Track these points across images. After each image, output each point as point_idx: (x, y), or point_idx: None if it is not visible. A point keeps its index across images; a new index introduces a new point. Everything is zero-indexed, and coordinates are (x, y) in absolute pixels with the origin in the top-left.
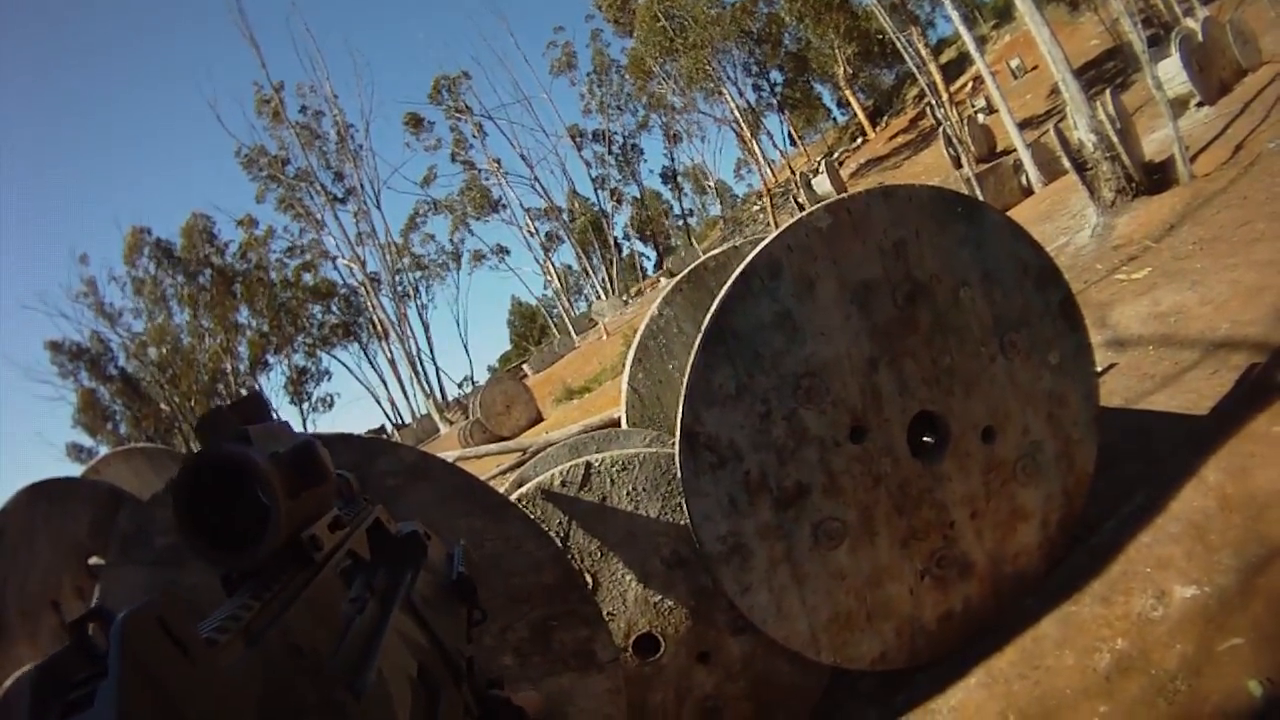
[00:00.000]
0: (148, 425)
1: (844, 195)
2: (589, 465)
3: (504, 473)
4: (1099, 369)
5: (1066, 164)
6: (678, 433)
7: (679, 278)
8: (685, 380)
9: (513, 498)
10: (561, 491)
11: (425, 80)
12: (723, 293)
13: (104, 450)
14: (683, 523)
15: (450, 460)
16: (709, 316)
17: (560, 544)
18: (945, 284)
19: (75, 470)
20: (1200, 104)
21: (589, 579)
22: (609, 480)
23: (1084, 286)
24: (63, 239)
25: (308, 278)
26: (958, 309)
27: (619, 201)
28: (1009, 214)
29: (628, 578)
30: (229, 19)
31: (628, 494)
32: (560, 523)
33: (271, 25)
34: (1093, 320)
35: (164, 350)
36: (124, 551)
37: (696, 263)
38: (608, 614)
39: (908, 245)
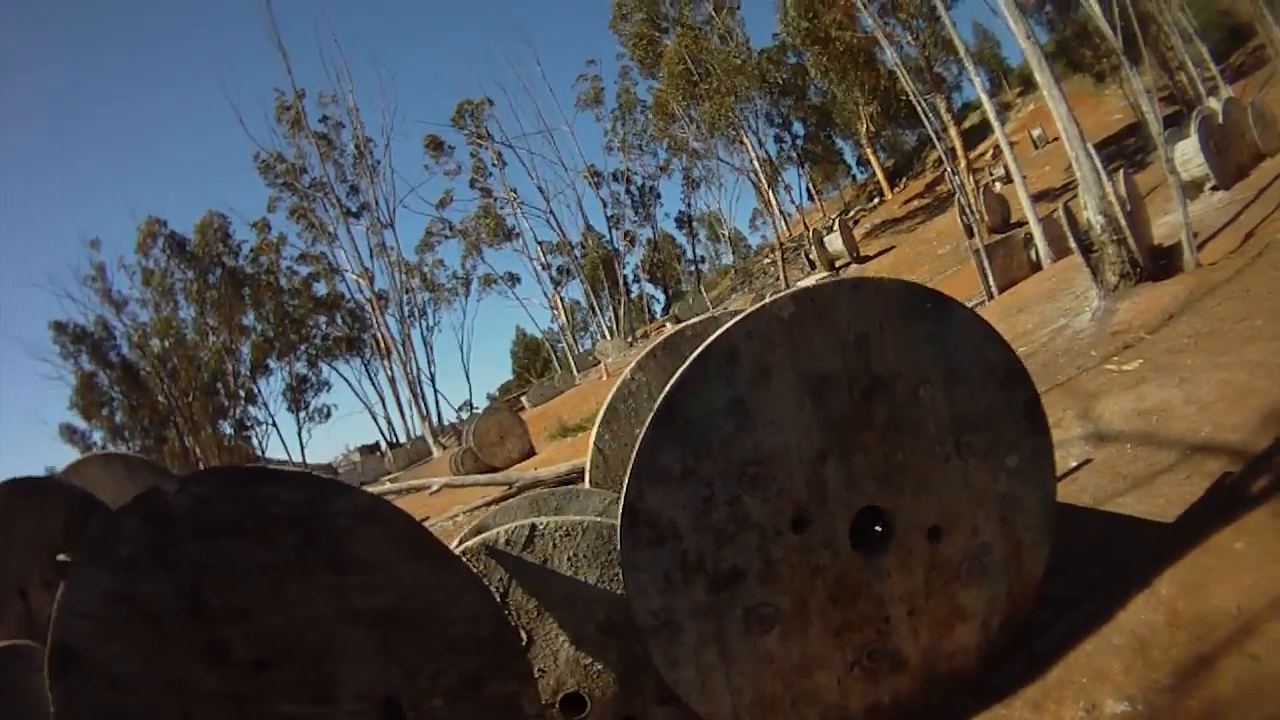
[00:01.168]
0: (143, 415)
1: (810, 285)
2: (534, 527)
3: (488, 505)
4: (1075, 463)
5: (1072, 244)
6: (620, 506)
7: (654, 344)
8: (633, 455)
9: (460, 549)
10: (506, 550)
11: (448, 102)
12: (678, 374)
13: (97, 436)
14: (620, 591)
15: (438, 486)
16: (662, 397)
17: (500, 599)
18: (905, 381)
19: (65, 450)
20: (1215, 188)
21: (524, 635)
22: (552, 544)
23: (1076, 373)
24: (75, 223)
25: (318, 288)
26: (916, 406)
27: (632, 242)
28: (1012, 290)
29: (561, 638)
30: (257, 20)
31: (569, 559)
32: (502, 579)
33: (299, 30)
34: (1077, 412)
35: (167, 343)
36: (90, 555)
37: (673, 330)
38: (539, 670)
39: (870, 339)
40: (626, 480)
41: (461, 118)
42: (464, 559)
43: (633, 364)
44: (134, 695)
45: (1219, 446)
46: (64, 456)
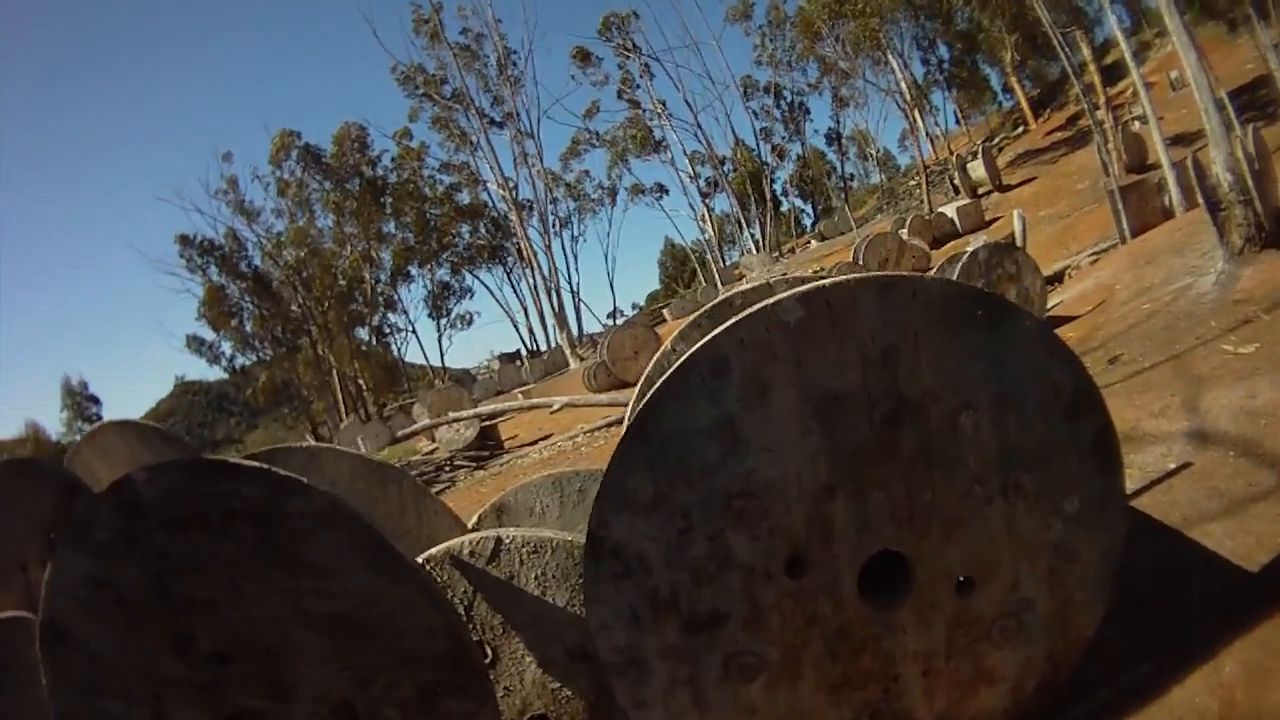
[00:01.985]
0: (275, 325)
1: (826, 282)
2: (499, 540)
3: (609, 425)
4: (1174, 465)
5: (1199, 200)
6: (586, 532)
7: (700, 312)
8: (603, 476)
9: (423, 558)
10: (470, 561)
11: (590, 14)
12: (657, 385)
13: (226, 346)
14: None
15: (560, 405)
16: (637, 411)
17: (464, 612)
18: (943, 405)
19: (194, 361)
20: None
21: (489, 651)
22: (518, 560)
23: (1194, 344)
24: (202, 138)
25: (460, 197)
26: (954, 437)
27: (781, 157)
28: (1144, 237)
29: (527, 659)
30: None
31: (536, 578)
32: (466, 591)
33: None
34: (1184, 400)
35: (302, 252)
36: (71, 538)
37: (720, 298)
38: (504, 689)
39: (901, 353)
40: (593, 505)
41: (608, 29)
42: (427, 567)
43: (674, 334)
44: (111, 674)
45: None
46: (192, 367)
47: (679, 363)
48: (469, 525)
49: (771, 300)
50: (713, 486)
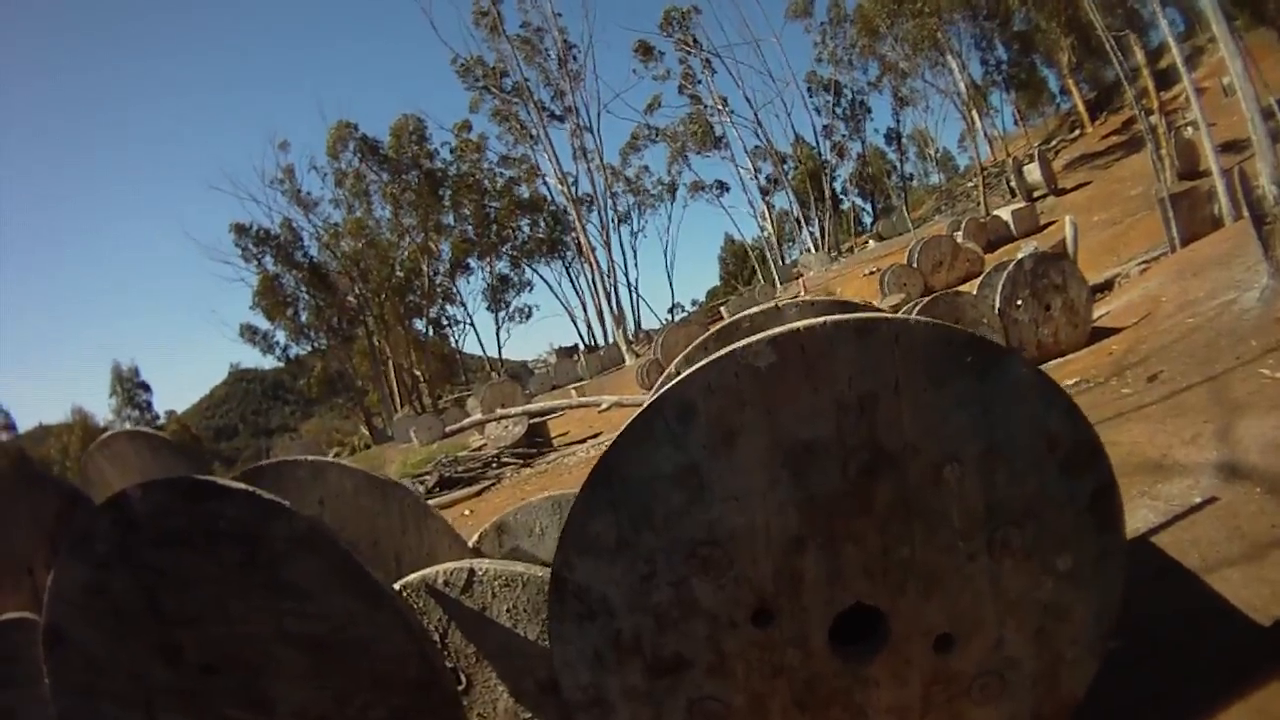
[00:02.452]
0: (330, 315)
1: (799, 326)
2: (472, 572)
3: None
4: (1199, 499)
5: (1245, 212)
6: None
7: (707, 335)
8: (567, 517)
9: (400, 584)
10: (444, 591)
11: (652, 9)
12: (621, 430)
13: (280, 335)
14: None
15: (608, 404)
16: (601, 455)
17: (439, 639)
18: (925, 457)
19: (249, 350)
20: None
21: (463, 679)
22: (490, 592)
23: (1234, 364)
24: (257, 126)
25: (520, 189)
26: (936, 491)
27: (841, 155)
28: (1193, 247)
29: (500, 688)
30: None
31: (508, 610)
32: (440, 619)
33: None
34: (1217, 428)
35: (360, 243)
36: (72, 548)
37: (729, 320)
38: (478, 716)
39: (879, 402)
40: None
41: (669, 24)
42: (404, 594)
43: (679, 357)
44: (106, 678)
45: None
46: (247, 355)
47: (644, 406)
48: (471, 543)
49: (741, 344)
50: (677, 534)
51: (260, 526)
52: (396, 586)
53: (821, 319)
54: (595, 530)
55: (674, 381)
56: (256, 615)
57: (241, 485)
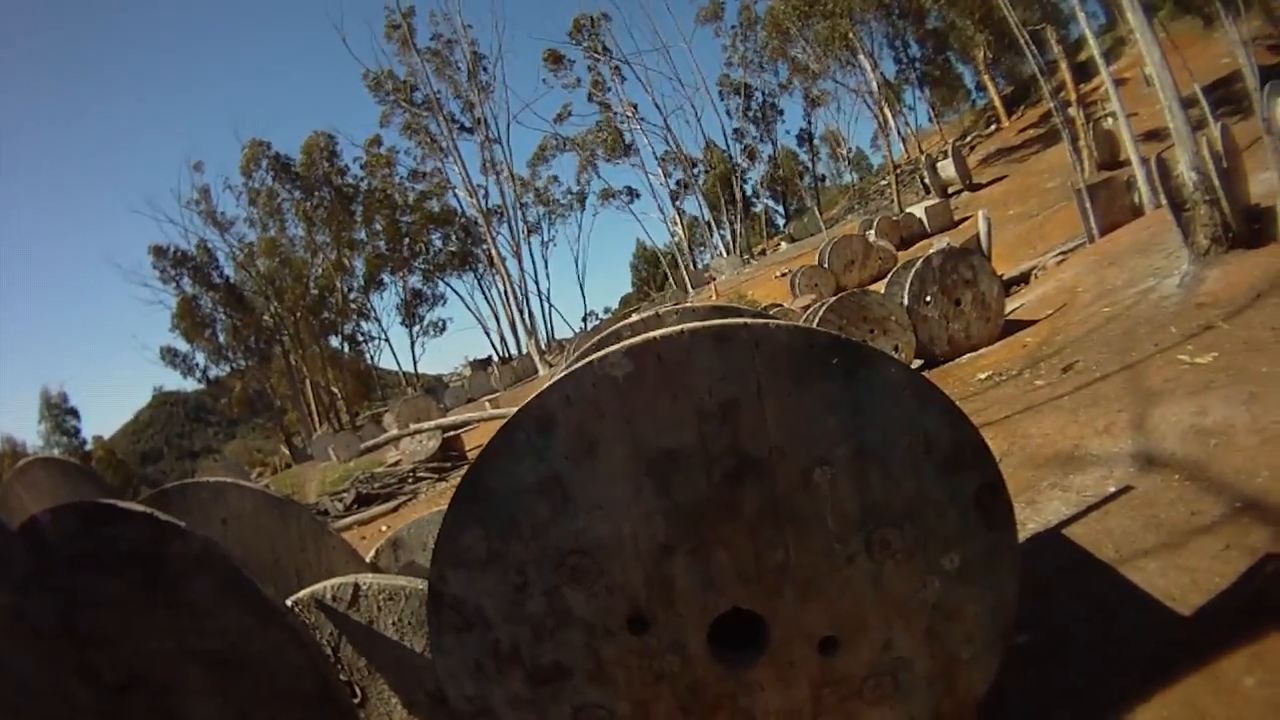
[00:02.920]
0: (248, 335)
1: (656, 335)
2: (358, 587)
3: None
4: (1113, 489)
5: (1163, 200)
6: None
7: (588, 344)
8: (438, 532)
9: (291, 600)
10: (333, 606)
11: (561, 17)
12: (486, 443)
13: (200, 357)
14: None
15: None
16: (467, 468)
17: (331, 653)
18: (793, 461)
19: (168, 373)
20: None
21: (358, 692)
22: (376, 606)
23: (1151, 352)
24: (175, 148)
25: (431, 204)
26: (806, 494)
27: (753, 158)
28: (1111, 236)
29: (393, 700)
30: None
31: (394, 623)
32: (332, 633)
33: None
34: (1133, 417)
35: (274, 262)
36: None
37: (615, 328)
38: None
39: (742, 408)
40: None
41: (579, 32)
42: (297, 609)
43: (564, 363)
44: (36, 701)
45: (1272, 508)
46: (170, 379)
47: (507, 420)
48: (368, 559)
49: (599, 355)
50: (545, 544)
51: (159, 547)
52: (289, 603)
53: (679, 327)
54: (466, 543)
55: (535, 394)
56: (161, 633)
57: (141, 508)
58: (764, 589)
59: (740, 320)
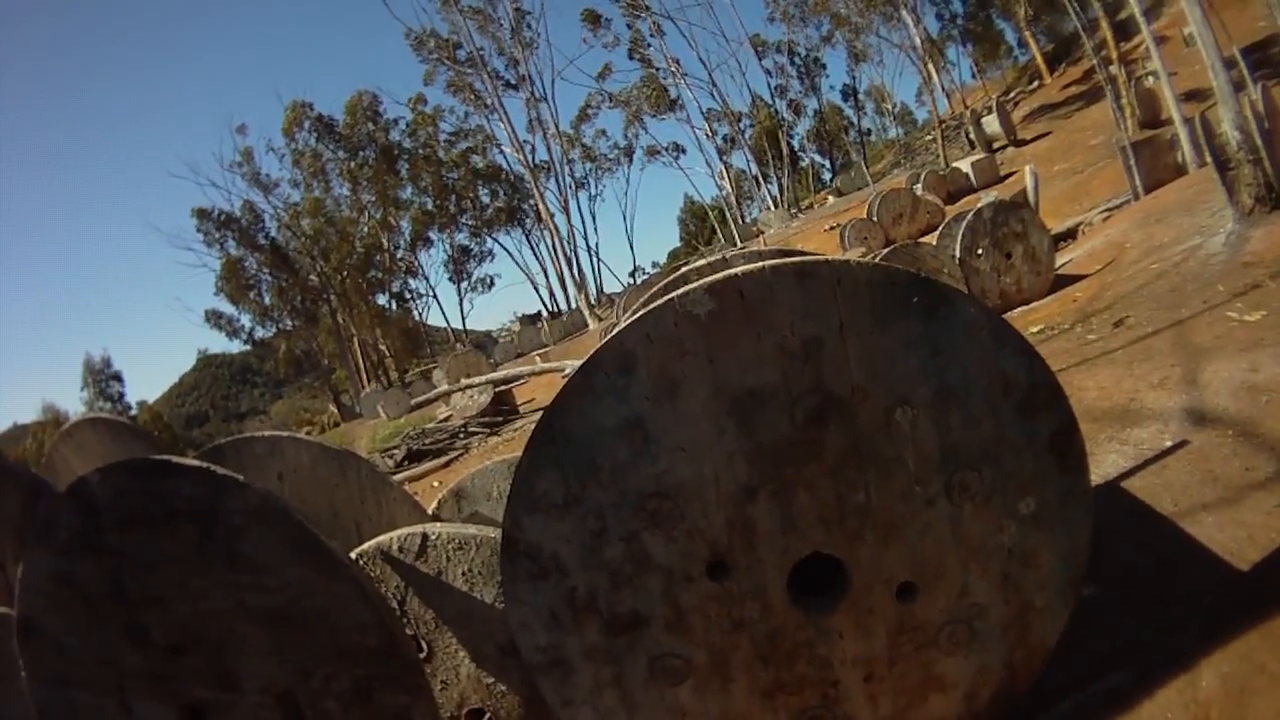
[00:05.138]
0: (293, 295)
1: (737, 271)
2: (425, 537)
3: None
4: (1169, 443)
5: (1208, 159)
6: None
7: (653, 289)
8: (513, 477)
9: (356, 553)
10: (399, 557)
11: None
12: (564, 384)
13: (245, 319)
14: None
15: (570, 369)
16: (544, 411)
17: (397, 607)
18: (874, 401)
19: (213, 336)
20: None
21: (424, 646)
22: (445, 556)
23: (1200, 309)
24: (214, 112)
25: (476, 160)
26: (887, 435)
27: (798, 113)
28: (1156, 194)
29: (461, 654)
30: None
31: (463, 574)
32: (398, 586)
33: None
34: (1185, 372)
35: (319, 221)
36: (37, 537)
37: (678, 273)
38: (441, 683)
39: (824, 345)
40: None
41: None
42: (361, 562)
43: (629, 310)
44: (79, 665)
45: None
46: (214, 341)
47: (585, 359)
48: (430, 510)
49: (680, 292)
50: (624, 488)
51: (215, 502)
52: (353, 555)
53: (760, 264)
54: (542, 488)
55: (614, 332)
56: (217, 591)
57: (195, 462)
58: (845, 532)
59: (822, 257)
